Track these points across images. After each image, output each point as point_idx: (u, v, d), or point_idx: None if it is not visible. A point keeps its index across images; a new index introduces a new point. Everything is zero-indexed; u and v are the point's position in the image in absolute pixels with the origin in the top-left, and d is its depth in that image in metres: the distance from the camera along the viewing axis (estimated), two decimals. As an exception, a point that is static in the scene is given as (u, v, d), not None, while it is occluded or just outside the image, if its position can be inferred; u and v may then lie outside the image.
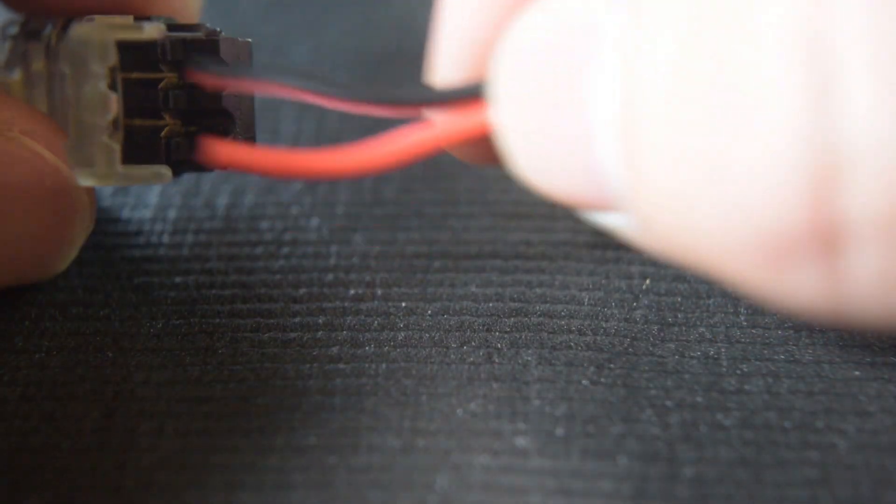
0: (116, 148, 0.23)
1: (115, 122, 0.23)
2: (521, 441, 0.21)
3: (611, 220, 0.19)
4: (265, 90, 0.22)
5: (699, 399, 0.22)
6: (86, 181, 0.23)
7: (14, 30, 0.27)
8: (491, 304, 0.24)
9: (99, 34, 0.22)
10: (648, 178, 0.17)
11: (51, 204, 0.24)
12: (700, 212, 0.16)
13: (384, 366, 0.23)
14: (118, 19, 0.23)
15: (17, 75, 0.26)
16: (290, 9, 0.38)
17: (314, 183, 0.28)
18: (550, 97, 0.18)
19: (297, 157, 0.21)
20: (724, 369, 0.23)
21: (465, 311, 0.24)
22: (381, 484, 0.20)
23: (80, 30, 0.22)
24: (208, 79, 0.23)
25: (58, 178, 0.24)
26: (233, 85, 0.23)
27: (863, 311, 0.16)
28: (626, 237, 0.19)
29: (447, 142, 0.21)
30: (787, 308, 0.17)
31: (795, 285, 0.16)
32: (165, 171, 0.23)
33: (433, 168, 0.29)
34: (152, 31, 0.22)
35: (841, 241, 0.15)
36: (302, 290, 0.25)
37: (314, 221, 0.27)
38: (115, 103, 0.23)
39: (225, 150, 0.22)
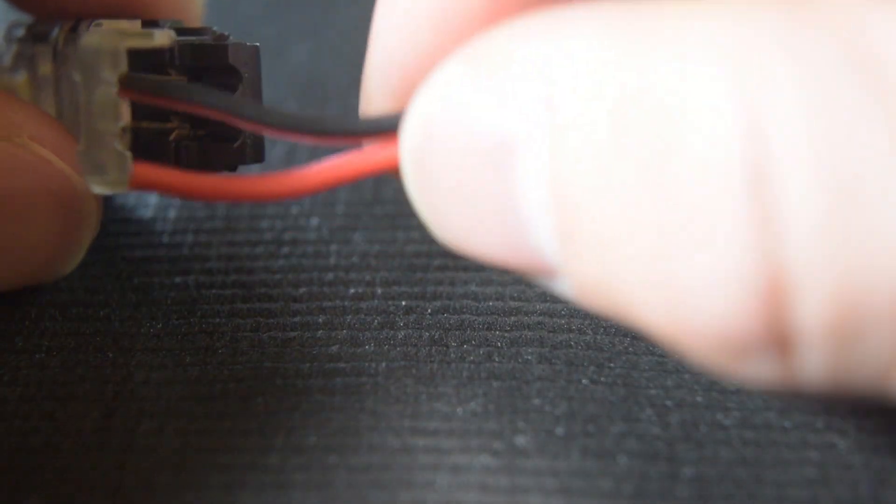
0: (128, 155, 0.23)
1: (126, 130, 0.22)
2: (520, 440, 0.21)
3: (546, 284, 0.19)
4: (195, 111, 0.21)
5: (699, 399, 0.22)
6: (98, 188, 0.23)
7: (20, 32, 0.27)
8: (491, 303, 0.24)
9: (109, 42, 0.22)
10: (586, 264, 0.17)
11: (58, 209, 0.24)
12: (646, 302, 0.17)
13: (384, 365, 0.23)
14: (126, 24, 0.23)
15: (21, 77, 0.26)
16: (290, 9, 0.38)
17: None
18: (468, 178, 0.18)
19: (226, 183, 0.21)
20: (724, 369, 0.23)
21: (465, 310, 0.24)
22: (381, 484, 0.20)
23: (90, 38, 0.22)
24: (140, 96, 0.22)
25: (65, 184, 0.24)
26: (163, 103, 0.22)
27: (817, 392, 0.17)
28: (564, 297, 0.19)
29: (374, 171, 0.20)
30: (741, 383, 0.17)
31: (748, 372, 0.17)
32: None
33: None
34: (163, 38, 0.22)
35: (791, 344, 0.16)
36: (302, 290, 0.25)
37: (314, 221, 0.27)
38: (126, 111, 0.22)
39: (153, 174, 0.21)
